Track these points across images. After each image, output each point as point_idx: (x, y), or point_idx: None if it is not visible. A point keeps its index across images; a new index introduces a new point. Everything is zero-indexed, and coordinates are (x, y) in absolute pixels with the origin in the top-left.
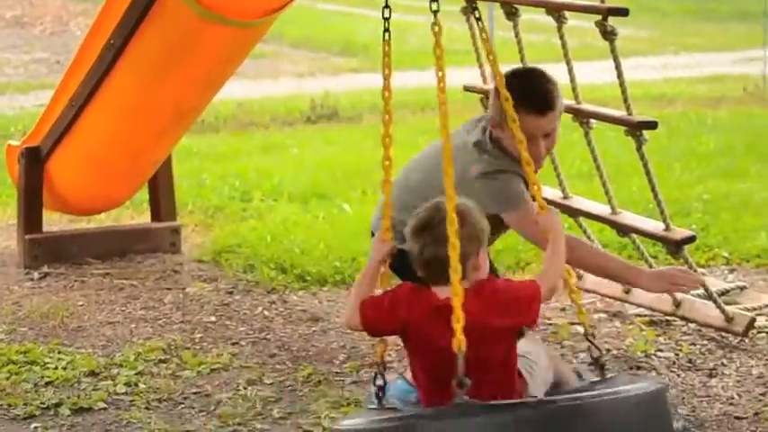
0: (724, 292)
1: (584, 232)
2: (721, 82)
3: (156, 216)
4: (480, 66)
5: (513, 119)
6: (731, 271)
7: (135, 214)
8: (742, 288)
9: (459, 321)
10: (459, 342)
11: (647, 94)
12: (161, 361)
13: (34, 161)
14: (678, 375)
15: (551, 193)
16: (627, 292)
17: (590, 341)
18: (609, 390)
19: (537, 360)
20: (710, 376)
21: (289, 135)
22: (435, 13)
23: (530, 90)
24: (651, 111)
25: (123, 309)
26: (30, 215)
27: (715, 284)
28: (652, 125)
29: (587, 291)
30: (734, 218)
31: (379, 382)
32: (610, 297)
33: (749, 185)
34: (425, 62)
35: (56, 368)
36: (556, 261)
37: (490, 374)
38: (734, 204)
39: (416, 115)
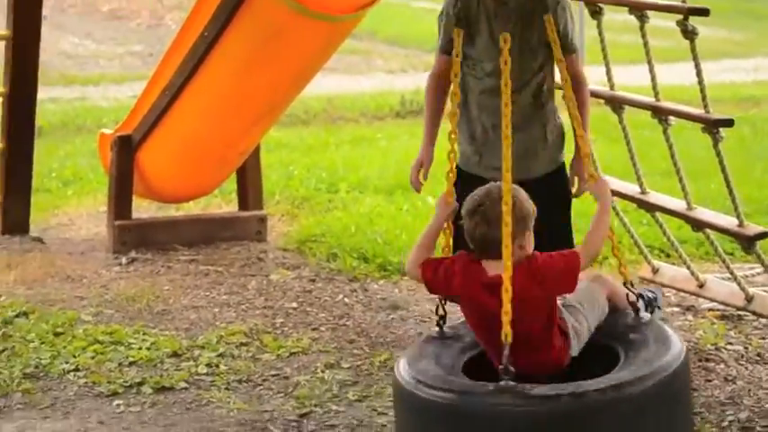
0: None
1: (661, 227)
2: None
3: (243, 205)
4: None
5: None
6: None
7: (223, 203)
8: None
9: (507, 314)
10: (507, 334)
11: (734, 95)
12: (242, 344)
13: (126, 149)
14: (746, 368)
15: (629, 188)
16: (700, 286)
17: (628, 288)
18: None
19: (586, 304)
20: None
21: (377, 129)
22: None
23: None
24: (737, 111)
25: (207, 294)
26: (120, 202)
27: None
28: (728, 123)
29: (663, 285)
30: None
31: (441, 312)
32: (684, 291)
33: None
34: None
35: (140, 348)
36: (600, 230)
37: (532, 341)
38: None
39: None
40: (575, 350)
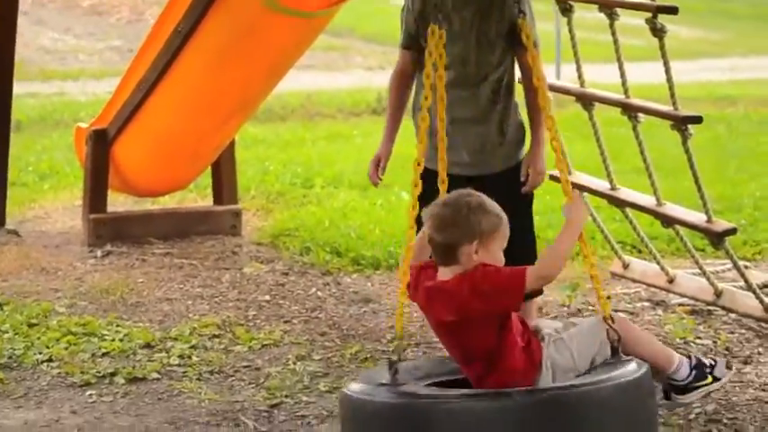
0: (766, 285)
1: (631, 223)
2: None
3: (217, 199)
4: None
5: None
6: None
7: (199, 198)
8: None
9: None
10: (398, 331)
11: (710, 94)
12: (215, 336)
13: (101, 143)
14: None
15: (599, 184)
16: (670, 281)
17: (608, 324)
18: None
19: (576, 340)
20: (745, 363)
21: (354, 126)
22: None
23: None
24: (713, 110)
25: (181, 286)
26: (95, 195)
27: (758, 277)
28: (697, 120)
29: (633, 281)
30: None
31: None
32: (654, 287)
33: None
34: None
35: (113, 340)
36: (556, 253)
37: (491, 358)
38: None
39: None
40: (545, 381)
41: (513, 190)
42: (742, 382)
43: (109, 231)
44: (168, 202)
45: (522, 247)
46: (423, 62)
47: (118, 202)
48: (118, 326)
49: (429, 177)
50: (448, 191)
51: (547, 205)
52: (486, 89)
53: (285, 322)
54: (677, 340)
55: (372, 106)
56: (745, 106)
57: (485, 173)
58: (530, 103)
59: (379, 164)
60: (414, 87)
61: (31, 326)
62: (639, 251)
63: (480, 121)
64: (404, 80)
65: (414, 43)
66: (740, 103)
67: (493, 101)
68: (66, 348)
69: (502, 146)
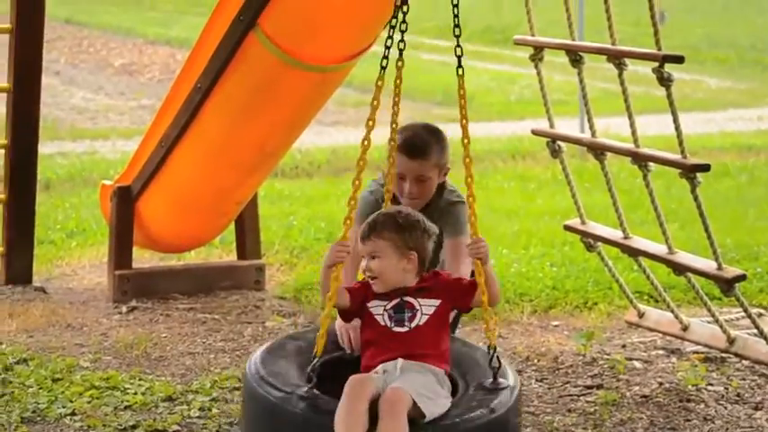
0: None
1: (644, 272)
2: None
3: (241, 254)
4: (547, 111)
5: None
6: None
7: (223, 253)
8: None
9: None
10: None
11: (734, 144)
12: (235, 389)
13: (125, 200)
14: (725, 408)
15: (612, 233)
16: (684, 330)
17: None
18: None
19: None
20: (756, 409)
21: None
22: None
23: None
24: (737, 160)
25: (204, 341)
26: (120, 252)
27: None
28: (705, 168)
29: (649, 329)
30: None
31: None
32: (669, 335)
33: None
34: (524, 112)
35: (135, 393)
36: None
37: None
38: None
39: (507, 163)
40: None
41: None
42: (752, 427)
43: (134, 287)
44: (193, 258)
45: None
46: None
47: (143, 259)
48: (140, 380)
49: None
50: None
51: (565, 256)
52: None
53: None
54: (689, 387)
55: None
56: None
57: None
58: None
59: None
60: None
61: (55, 380)
62: (656, 300)
63: None
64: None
65: None
66: (764, 153)
67: None
68: (90, 402)
69: None
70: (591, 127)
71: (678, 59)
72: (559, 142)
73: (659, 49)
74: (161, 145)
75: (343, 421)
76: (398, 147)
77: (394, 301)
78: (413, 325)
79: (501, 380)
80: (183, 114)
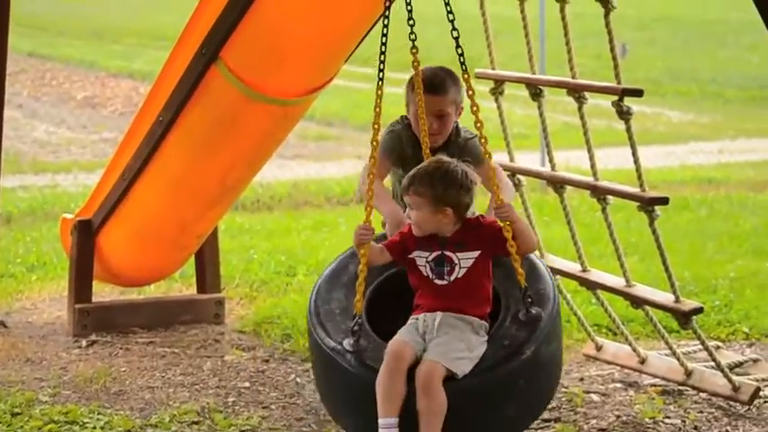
0: (738, 365)
1: (602, 305)
2: None
3: (201, 288)
4: (507, 144)
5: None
6: (750, 345)
7: (183, 287)
8: (755, 360)
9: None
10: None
11: (695, 177)
12: (194, 422)
13: (86, 233)
14: None
15: (570, 266)
16: (642, 362)
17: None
18: None
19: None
20: None
21: (340, 214)
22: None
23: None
24: (697, 193)
25: (163, 374)
26: (80, 285)
27: (730, 357)
28: (663, 201)
29: (606, 362)
30: (758, 295)
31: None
32: (626, 368)
33: None
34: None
35: (94, 428)
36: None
37: None
38: (760, 282)
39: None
40: None
41: None
42: None
43: (94, 321)
44: (153, 292)
45: None
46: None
47: (104, 293)
48: (100, 414)
49: None
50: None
51: None
52: None
53: (264, 408)
54: (646, 420)
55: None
56: (727, 189)
57: None
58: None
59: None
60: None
61: (14, 415)
62: (615, 333)
63: None
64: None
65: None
66: (724, 186)
67: None
68: None
69: None
70: (551, 160)
71: (637, 93)
72: (519, 176)
73: (619, 83)
74: (122, 178)
75: (383, 393)
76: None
77: (435, 254)
78: (452, 278)
79: (533, 311)
80: (144, 147)
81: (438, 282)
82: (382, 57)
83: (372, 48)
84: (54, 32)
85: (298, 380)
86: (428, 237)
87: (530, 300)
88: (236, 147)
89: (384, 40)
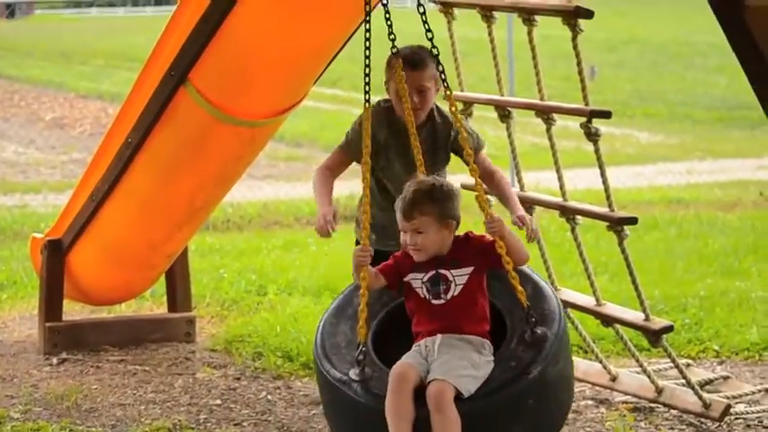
0: (708, 382)
1: (572, 323)
2: (741, 187)
3: (172, 307)
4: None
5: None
6: (720, 363)
7: (154, 306)
8: (726, 378)
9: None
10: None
11: (664, 198)
12: None
13: (56, 253)
14: None
15: None
16: (613, 380)
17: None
18: None
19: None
20: None
21: (310, 234)
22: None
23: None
24: (666, 213)
25: (135, 392)
26: (50, 304)
27: (700, 375)
28: (632, 221)
29: (577, 380)
30: (727, 314)
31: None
32: (598, 385)
33: (747, 284)
34: (454, 167)
35: None
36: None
37: None
38: (730, 301)
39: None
40: None
41: None
42: None
43: (64, 339)
44: (124, 310)
45: None
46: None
47: (74, 311)
48: (71, 431)
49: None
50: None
51: None
52: None
53: (235, 425)
54: None
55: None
56: (696, 208)
57: None
58: (495, 184)
59: (327, 219)
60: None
61: None
62: (585, 351)
63: None
64: (332, 176)
65: (354, 155)
66: (693, 206)
67: None
68: None
69: None
70: (519, 181)
71: (605, 114)
72: (489, 196)
73: (587, 105)
74: (92, 198)
75: (392, 416)
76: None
77: (430, 273)
78: (449, 296)
79: (538, 331)
80: (113, 168)
81: (435, 302)
82: (367, 79)
83: (341, 69)
84: (22, 53)
85: (269, 397)
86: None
87: (534, 320)
88: (205, 168)
89: (367, 53)
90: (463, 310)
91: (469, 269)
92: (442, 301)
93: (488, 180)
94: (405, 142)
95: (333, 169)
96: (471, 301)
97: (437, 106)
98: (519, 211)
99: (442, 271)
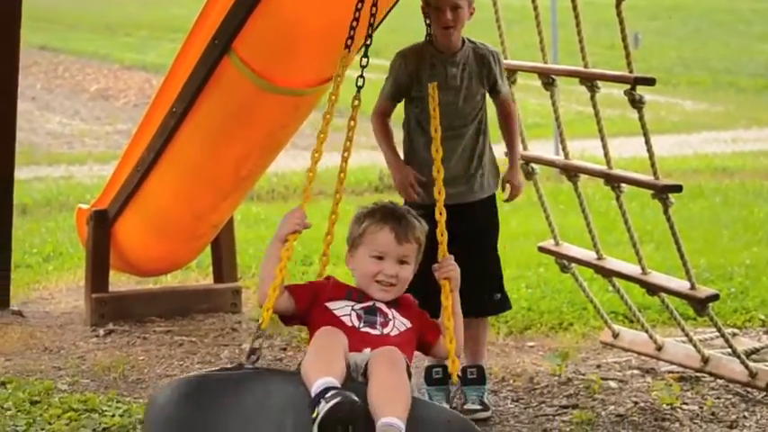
0: (754, 351)
1: (618, 292)
2: None
3: (218, 277)
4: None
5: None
6: (766, 332)
7: (200, 277)
8: None
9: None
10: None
11: (709, 166)
12: None
13: (101, 224)
14: (700, 427)
15: (586, 254)
16: (658, 349)
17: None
18: None
19: None
20: (731, 428)
21: (355, 203)
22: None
23: None
24: (711, 182)
25: (181, 363)
26: (96, 275)
27: (746, 344)
28: (677, 188)
29: (623, 349)
30: None
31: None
32: (643, 354)
33: None
34: (498, 135)
35: (113, 416)
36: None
37: None
38: None
39: None
40: None
41: (492, 214)
42: None
43: (111, 310)
44: (170, 281)
45: (491, 257)
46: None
47: (120, 282)
48: (118, 402)
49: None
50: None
51: (540, 277)
52: (470, 130)
53: None
54: (664, 406)
55: (375, 184)
56: (741, 177)
57: (468, 201)
58: (506, 130)
59: (410, 183)
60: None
61: (33, 403)
62: (631, 321)
63: (464, 157)
64: (386, 119)
65: (399, 96)
66: (738, 174)
67: (475, 140)
68: (68, 425)
69: (482, 177)
70: (564, 149)
71: (649, 81)
72: (533, 164)
73: (630, 72)
74: (137, 169)
75: (316, 363)
76: None
77: (366, 303)
78: (385, 331)
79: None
80: (158, 138)
81: (367, 329)
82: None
83: (384, 39)
84: (67, 26)
85: None
86: (359, 291)
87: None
88: (250, 137)
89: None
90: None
91: (409, 323)
92: (377, 332)
93: (501, 122)
94: (440, 72)
95: (388, 114)
96: (401, 347)
97: (473, 40)
98: (514, 178)
99: (381, 305)
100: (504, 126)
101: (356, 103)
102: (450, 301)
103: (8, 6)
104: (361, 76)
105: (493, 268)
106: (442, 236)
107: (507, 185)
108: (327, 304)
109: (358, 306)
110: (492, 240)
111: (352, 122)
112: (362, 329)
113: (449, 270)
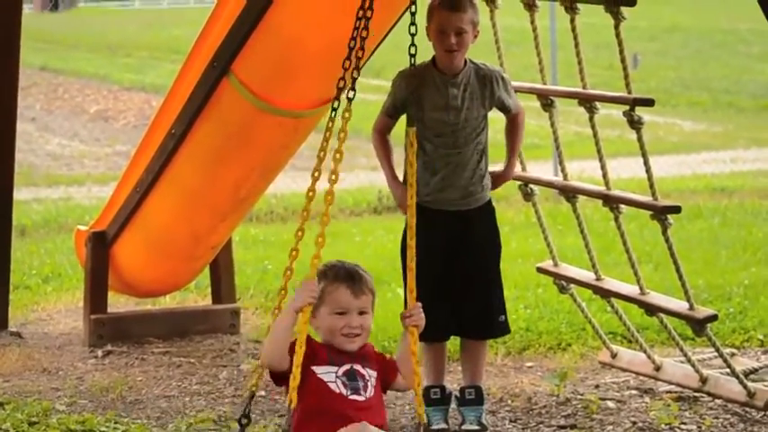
0: (753, 371)
1: (616, 312)
2: None
3: (216, 298)
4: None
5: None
6: (765, 352)
7: (199, 297)
8: None
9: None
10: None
11: (708, 186)
12: (211, 431)
13: (100, 245)
14: None
15: (584, 275)
16: (657, 369)
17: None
18: None
19: None
20: None
21: (354, 225)
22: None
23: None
24: (710, 202)
25: (179, 384)
26: (95, 296)
27: (745, 364)
28: (675, 210)
29: (621, 369)
30: None
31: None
32: (642, 374)
33: None
34: (497, 156)
35: None
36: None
37: None
38: None
39: None
40: None
41: (492, 229)
42: None
43: (109, 331)
44: (168, 303)
45: (494, 280)
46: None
47: (119, 303)
48: (116, 423)
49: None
50: (442, 224)
51: (539, 298)
52: (470, 150)
53: (279, 416)
54: (662, 426)
55: (373, 205)
56: (740, 197)
57: (464, 209)
58: (512, 132)
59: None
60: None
61: (31, 424)
62: (630, 341)
63: (464, 177)
64: (385, 136)
65: (397, 113)
66: (737, 195)
67: (475, 159)
68: None
69: (480, 193)
70: (563, 170)
71: (648, 102)
72: (532, 185)
73: (629, 93)
74: (136, 190)
75: None
76: (439, 4)
77: (344, 368)
78: (367, 395)
79: None
80: (157, 160)
81: (354, 397)
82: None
83: (384, 59)
84: (67, 46)
85: None
86: (336, 349)
87: None
88: (249, 159)
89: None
90: (380, 412)
91: (375, 373)
92: (363, 398)
93: (509, 129)
94: (441, 93)
95: (387, 130)
96: (380, 405)
97: (475, 61)
98: (506, 173)
99: (356, 366)
100: (510, 130)
101: (347, 115)
102: (417, 346)
103: (8, 27)
104: (353, 88)
105: (497, 291)
106: (411, 293)
107: (497, 173)
108: (313, 368)
109: (340, 372)
110: (495, 260)
111: (342, 134)
112: (351, 397)
113: (419, 319)
